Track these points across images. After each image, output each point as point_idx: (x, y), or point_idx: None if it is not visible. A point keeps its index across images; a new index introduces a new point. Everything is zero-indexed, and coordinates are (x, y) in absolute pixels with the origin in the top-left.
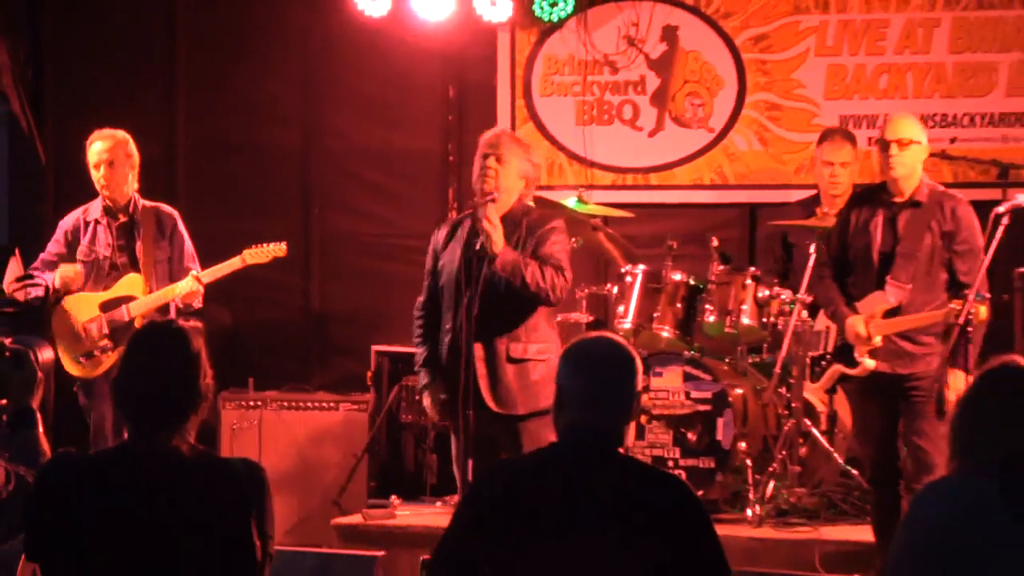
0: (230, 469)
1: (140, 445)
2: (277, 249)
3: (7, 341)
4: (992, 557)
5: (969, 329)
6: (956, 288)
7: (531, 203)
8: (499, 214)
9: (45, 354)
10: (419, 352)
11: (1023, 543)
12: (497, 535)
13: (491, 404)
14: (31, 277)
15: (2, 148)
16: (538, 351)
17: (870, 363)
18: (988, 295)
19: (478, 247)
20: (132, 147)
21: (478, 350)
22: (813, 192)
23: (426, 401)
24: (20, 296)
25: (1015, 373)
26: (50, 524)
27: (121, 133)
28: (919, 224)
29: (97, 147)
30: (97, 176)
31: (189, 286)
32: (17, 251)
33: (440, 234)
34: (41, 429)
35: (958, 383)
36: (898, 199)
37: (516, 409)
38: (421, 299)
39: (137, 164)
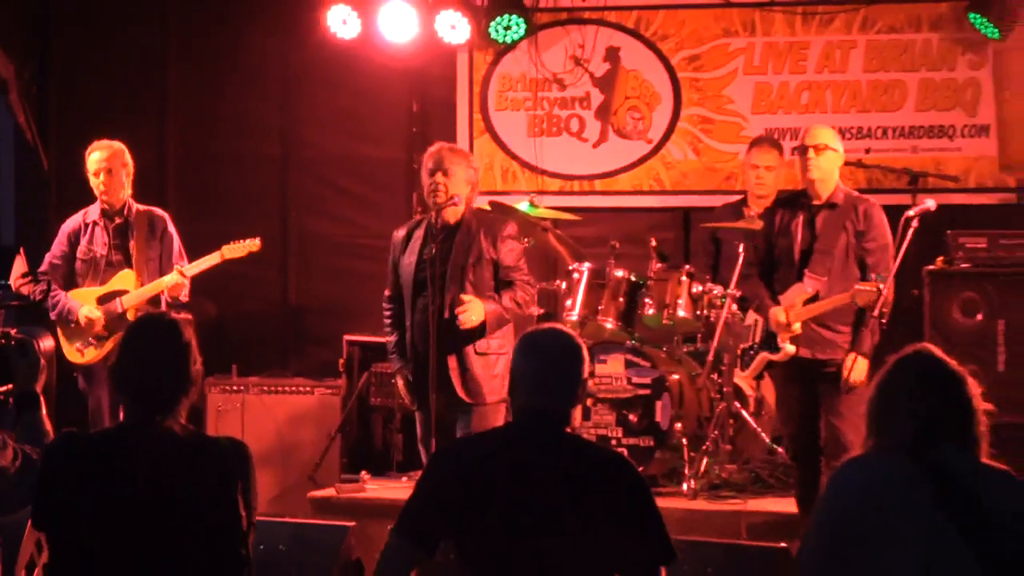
0: (218, 447)
1: (136, 425)
2: (251, 244)
3: (13, 332)
4: (904, 529)
5: (882, 320)
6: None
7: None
8: (454, 219)
9: (47, 343)
10: (391, 339)
11: (932, 517)
12: (453, 509)
13: (461, 393)
14: (34, 275)
15: (9, 157)
16: (499, 345)
17: (791, 348)
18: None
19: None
20: (127, 156)
21: (449, 346)
22: (741, 196)
23: (400, 383)
24: (25, 291)
25: (926, 359)
26: (55, 496)
27: (118, 144)
28: (835, 224)
29: (96, 156)
30: (96, 182)
31: (175, 279)
32: (22, 250)
33: (398, 235)
34: (44, 411)
35: (859, 365)
36: (816, 202)
37: (483, 398)
38: (387, 293)
39: (132, 172)
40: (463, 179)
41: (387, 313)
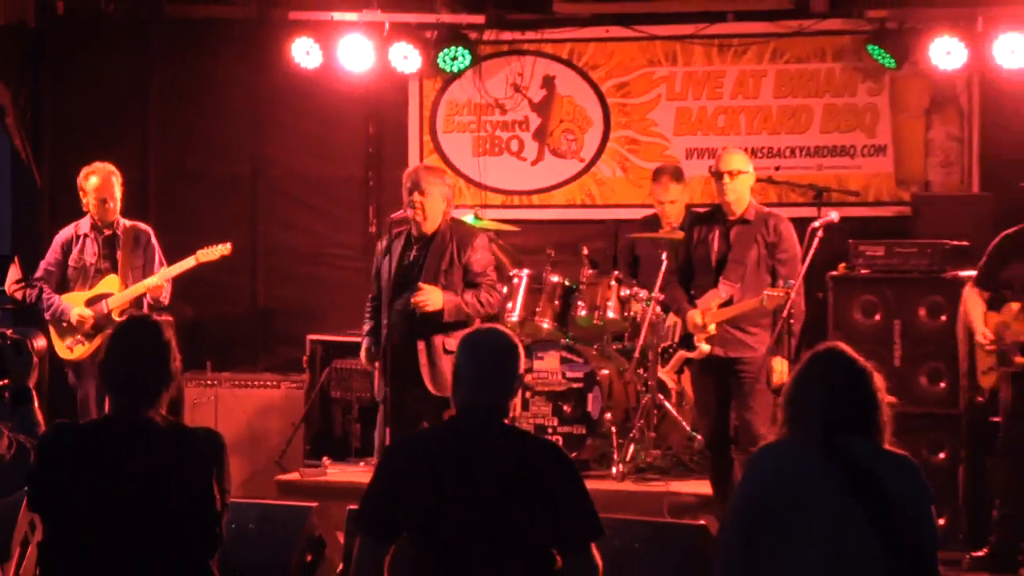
0: (195, 436)
1: (122, 416)
2: (223, 249)
3: (8, 332)
4: (814, 510)
5: (791, 321)
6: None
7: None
8: (431, 230)
9: (39, 342)
10: (365, 327)
11: (839, 499)
12: (406, 500)
13: (430, 387)
14: (28, 280)
15: (6, 175)
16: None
17: (706, 348)
18: (795, 285)
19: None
20: (119, 180)
21: (421, 344)
22: (655, 211)
23: (363, 355)
24: (19, 296)
25: (836, 355)
26: (48, 480)
27: (112, 168)
28: (748, 237)
29: (94, 183)
30: (92, 203)
31: (155, 282)
32: (16, 258)
33: (381, 244)
34: (37, 404)
35: (781, 367)
36: (731, 217)
37: (448, 392)
38: (370, 295)
39: (122, 192)
40: (439, 196)
41: (368, 308)
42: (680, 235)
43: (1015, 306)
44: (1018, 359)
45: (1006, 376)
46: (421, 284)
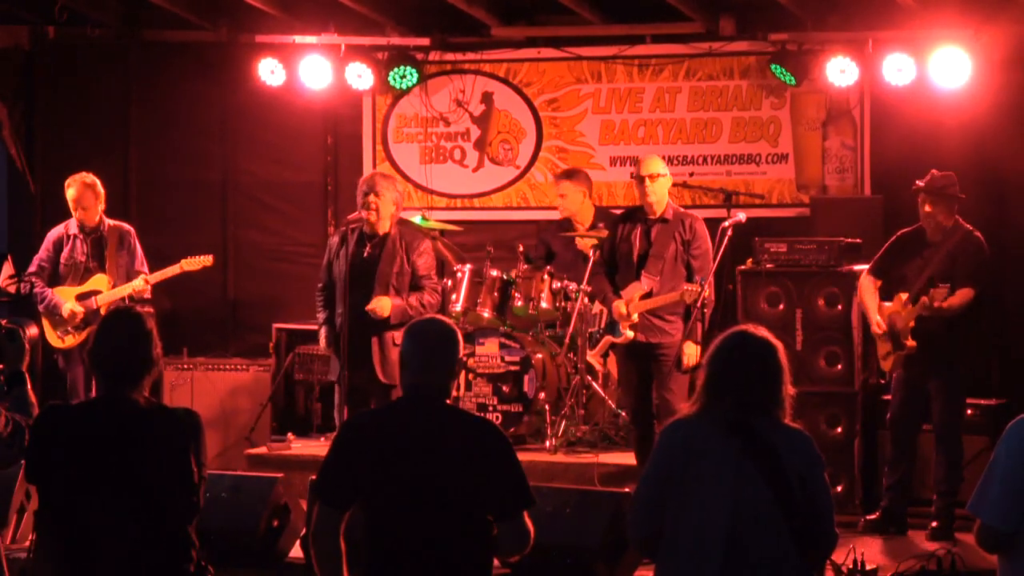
0: (174, 415)
1: (109, 397)
2: (205, 260)
3: (3, 322)
4: (717, 475)
5: (706, 311)
6: (691, 281)
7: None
8: (383, 230)
9: (32, 331)
10: (321, 316)
11: (739, 465)
12: (360, 472)
13: (379, 374)
14: (20, 276)
15: (2, 182)
16: None
17: (630, 334)
18: (711, 282)
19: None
20: (99, 186)
21: (374, 339)
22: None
23: (322, 342)
24: (11, 290)
25: (742, 338)
26: (43, 454)
27: (90, 178)
28: (666, 234)
29: (72, 192)
30: (75, 214)
31: (140, 285)
32: (9, 256)
33: (333, 240)
34: (30, 387)
35: (691, 350)
36: (651, 217)
37: (396, 380)
38: (320, 284)
39: (103, 196)
40: (390, 200)
41: (319, 299)
42: (605, 233)
43: (904, 296)
44: (909, 343)
45: (899, 359)
46: (374, 298)
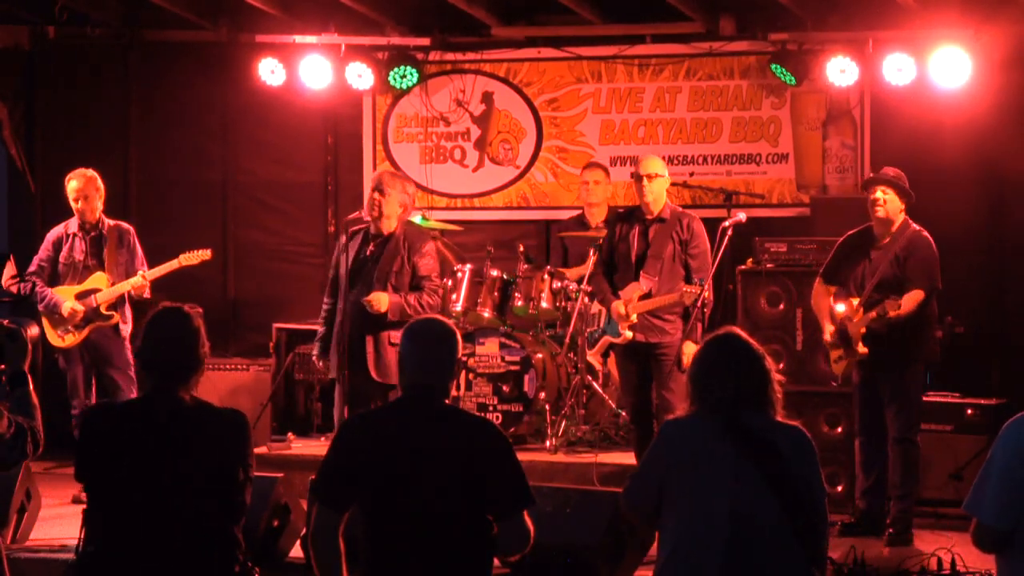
0: (221, 415)
1: (157, 396)
2: (204, 254)
3: (4, 322)
4: (713, 473)
5: (706, 310)
6: (689, 281)
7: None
8: (387, 230)
9: (32, 331)
10: (320, 330)
11: (735, 463)
12: (359, 473)
13: (374, 374)
14: (22, 276)
15: (3, 181)
16: None
17: (629, 334)
18: (710, 283)
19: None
20: (99, 182)
21: (369, 337)
22: (580, 210)
23: (314, 357)
24: (14, 290)
25: (731, 339)
26: (92, 453)
27: (91, 172)
28: (664, 234)
29: (74, 184)
30: (75, 206)
31: (138, 282)
32: (12, 256)
33: (341, 240)
34: (31, 387)
35: (691, 350)
36: (649, 216)
37: (392, 380)
38: (327, 295)
39: (103, 194)
40: (396, 200)
41: (324, 310)
42: (604, 233)
43: (855, 301)
44: (860, 349)
45: (853, 364)
46: (373, 292)
